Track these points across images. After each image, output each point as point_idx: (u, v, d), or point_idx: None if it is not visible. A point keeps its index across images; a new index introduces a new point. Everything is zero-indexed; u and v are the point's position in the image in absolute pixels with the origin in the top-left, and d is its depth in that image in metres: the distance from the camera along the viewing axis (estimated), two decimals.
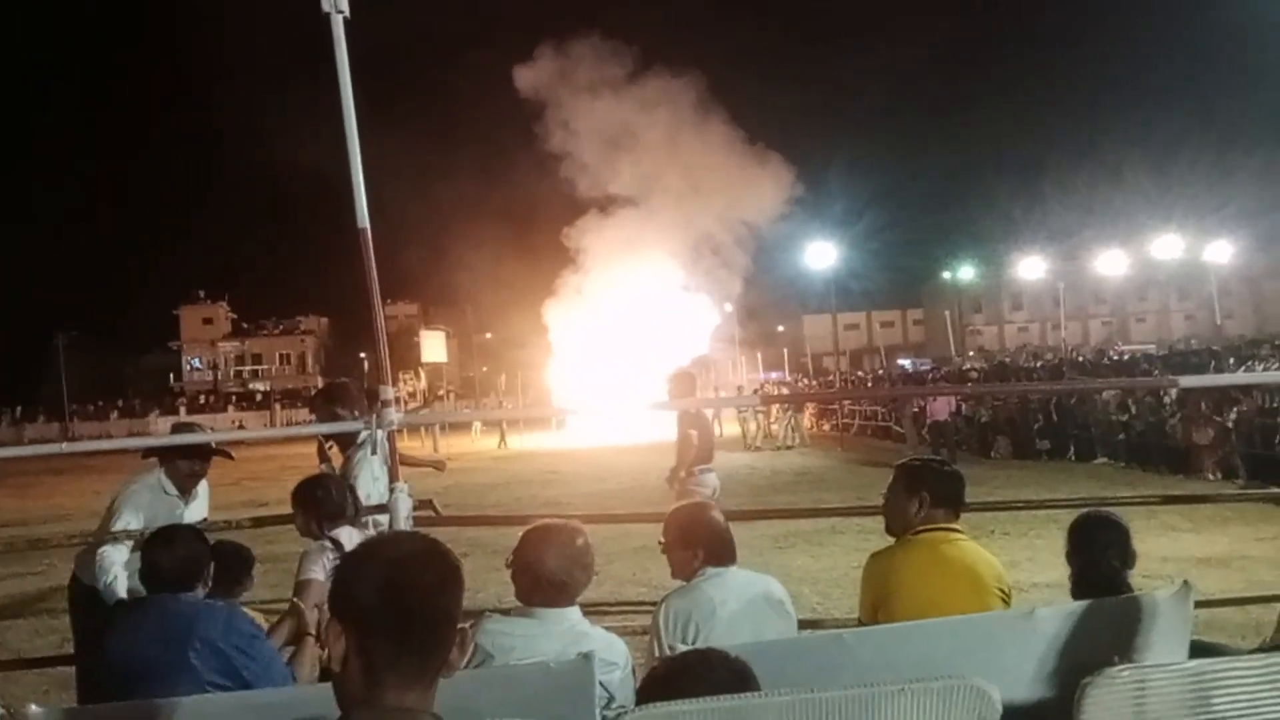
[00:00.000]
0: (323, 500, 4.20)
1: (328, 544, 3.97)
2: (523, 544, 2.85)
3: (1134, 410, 17.69)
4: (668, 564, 3.30)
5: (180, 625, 3.07)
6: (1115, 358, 31.57)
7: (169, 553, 3.24)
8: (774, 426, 26.59)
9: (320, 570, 3.81)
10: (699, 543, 3.19)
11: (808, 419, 29.88)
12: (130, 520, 4.62)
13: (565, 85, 41.46)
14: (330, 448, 6.33)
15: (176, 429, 5.36)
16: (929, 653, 2.51)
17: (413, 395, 46.28)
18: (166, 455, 4.87)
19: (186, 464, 4.83)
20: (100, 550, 4.58)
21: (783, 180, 42.14)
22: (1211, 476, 14.79)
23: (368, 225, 4.35)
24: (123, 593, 4.40)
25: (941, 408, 20.60)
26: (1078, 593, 3.16)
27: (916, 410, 22.96)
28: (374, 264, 4.36)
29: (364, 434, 5.49)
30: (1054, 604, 2.87)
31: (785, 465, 20.99)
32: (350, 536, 4.01)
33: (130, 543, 4.52)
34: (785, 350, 44.19)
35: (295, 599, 3.75)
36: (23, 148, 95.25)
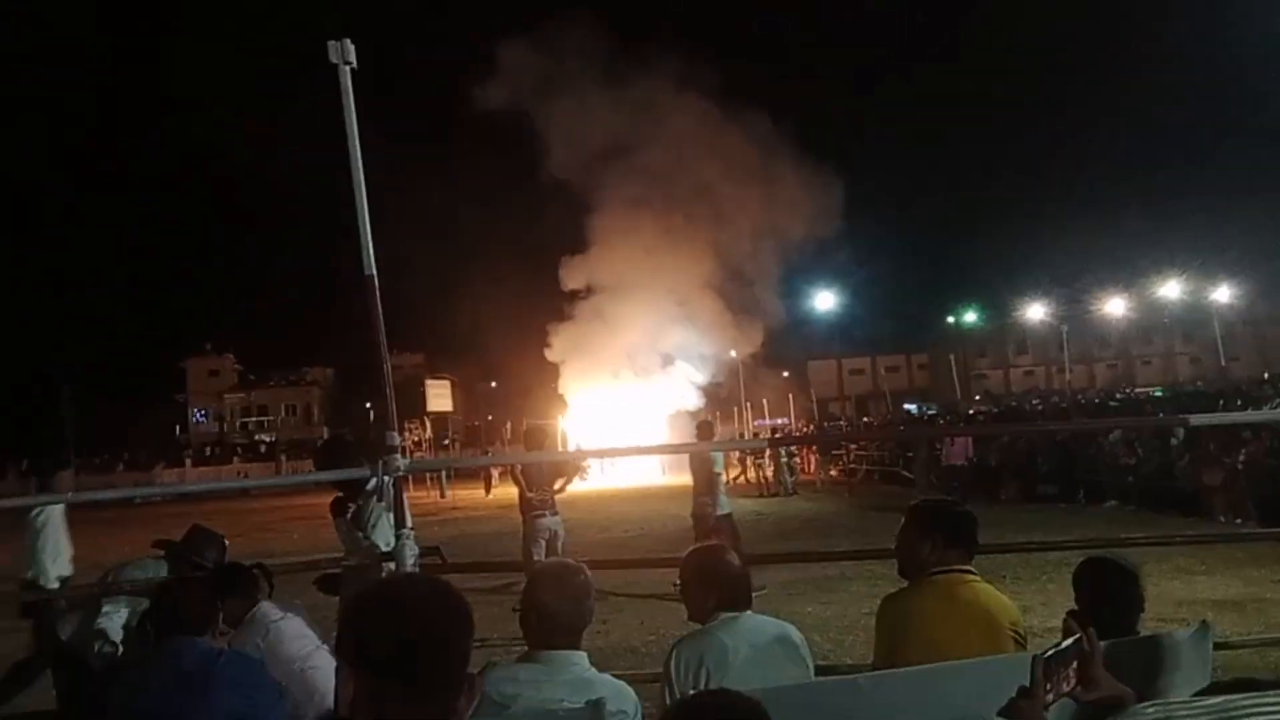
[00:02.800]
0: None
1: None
2: (529, 586, 2.89)
3: (1141, 453, 17.58)
4: (684, 607, 3.28)
5: (199, 669, 3.09)
6: (1122, 397, 31.51)
7: (188, 597, 3.30)
8: (767, 472, 26.46)
9: None
10: (713, 585, 3.18)
11: (804, 464, 29.77)
12: (125, 610, 4.65)
13: (577, 143, 41.73)
14: (349, 505, 6.38)
15: (196, 535, 5.05)
16: (945, 696, 2.47)
17: (418, 445, 46.22)
18: (181, 553, 4.89)
19: (195, 573, 4.73)
20: (96, 623, 4.62)
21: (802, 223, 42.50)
22: (1223, 519, 14.66)
23: (374, 273, 4.38)
24: (110, 661, 4.41)
25: (958, 452, 20.50)
26: None
27: (933, 453, 22.80)
28: (380, 311, 4.38)
29: (372, 482, 5.50)
30: None
31: (793, 511, 20.84)
32: None
33: (123, 616, 4.58)
34: (791, 396, 44.00)
35: None
36: (31, 199, 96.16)
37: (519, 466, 10.38)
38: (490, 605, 8.69)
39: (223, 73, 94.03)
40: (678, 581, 3.30)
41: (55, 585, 7.29)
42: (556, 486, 10.20)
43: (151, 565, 4.93)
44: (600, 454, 36.07)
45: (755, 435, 36.65)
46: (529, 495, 9.84)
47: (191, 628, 3.22)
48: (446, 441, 52.01)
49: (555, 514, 9.96)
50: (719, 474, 10.94)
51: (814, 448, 30.64)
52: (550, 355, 44.22)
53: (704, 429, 12.64)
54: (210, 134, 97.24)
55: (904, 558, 3.34)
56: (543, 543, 9.81)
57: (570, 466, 11.05)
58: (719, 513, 10.77)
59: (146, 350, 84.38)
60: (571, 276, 42.91)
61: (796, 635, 3.22)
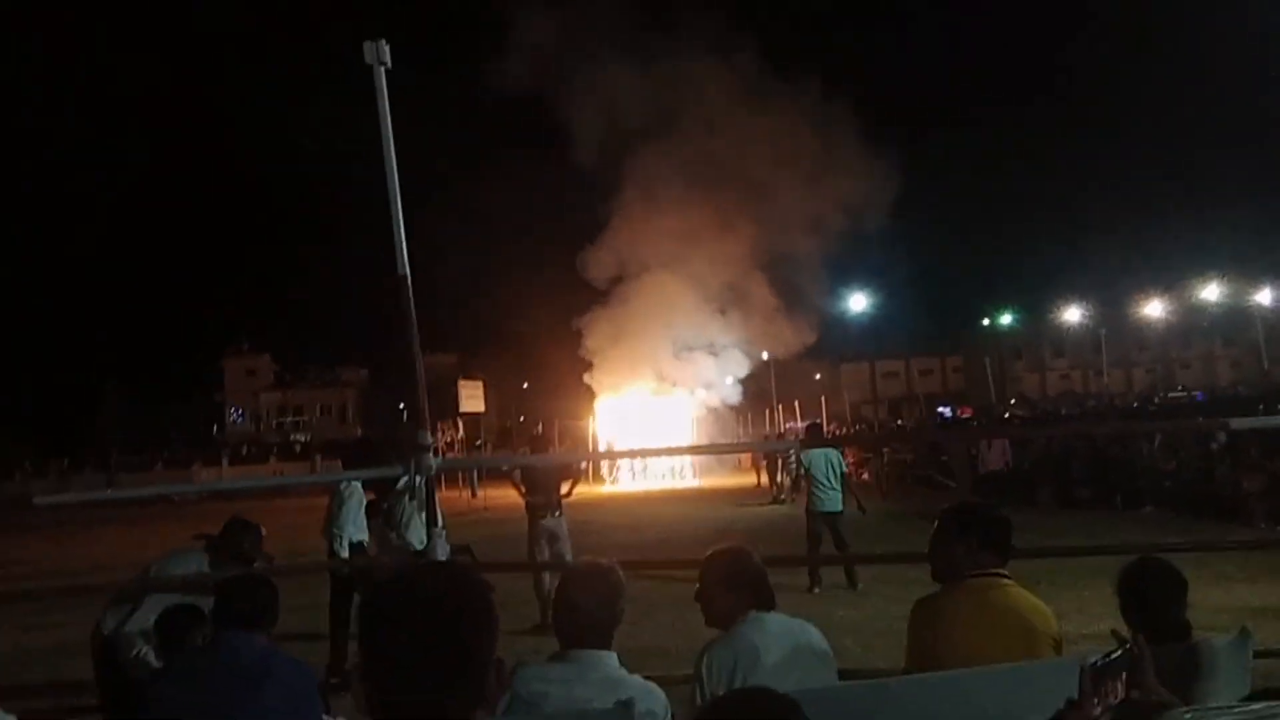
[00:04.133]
0: None
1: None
2: (561, 585, 2.92)
3: (1181, 457, 17.33)
4: (702, 612, 3.27)
5: (257, 664, 3.13)
6: (1162, 398, 31.11)
7: (251, 594, 3.37)
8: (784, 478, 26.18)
9: None
10: (743, 585, 3.18)
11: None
12: (159, 604, 4.66)
13: (608, 124, 41.23)
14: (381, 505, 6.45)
15: (234, 526, 5.17)
16: (979, 701, 2.44)
17: (450, 445, 46.38)
18: (220, 545, 5.03)
19: (235, 563, 4.87)
20: (126, 630, 4.70)
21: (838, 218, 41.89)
22: (1263, 525, 14.42)
23: (408, 272, 4.41)
24: (153, 663, 4.45)
25: (996, 457, 20.26)
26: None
27: (970, 458, 22.57)
28: (413, 311, 4.38)
29: (403, 480, 5.55)
30: None
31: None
32: None
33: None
34: (823, 398, 43.72)
35: None
36: (73, 198, 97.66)
37: (518, 471, 10.77)
38: (519, 605, 8.74)
39: (261, 70, 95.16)
40: (699, 585, 3.28)
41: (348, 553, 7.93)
42: (564, 490, 10.45)
43: (194, 557, 5.00)
44: (629, 454, 36.12)
45: (785, 437, 36.55)
46: (529, 498, 10.15)
47: (250, 623, 3.27)
48: (479, 443, 52.20)
49: (558, 515, 10.19)
50: (809, 471, 11.57)
51: (847, 451, 30.41)
52: (583, 353, 44.15)
53: (814, 432, 14.68)
54: (249, 133, 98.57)
55: (938, 561, 3.31)
56: (544, 543, 10.06)
57: (573, 469, 11.30)
58: (817, 509, 11.37)
59: (185, 349, 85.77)
60: (601, 267, 42.36)
61: (820, 639, 3.20)
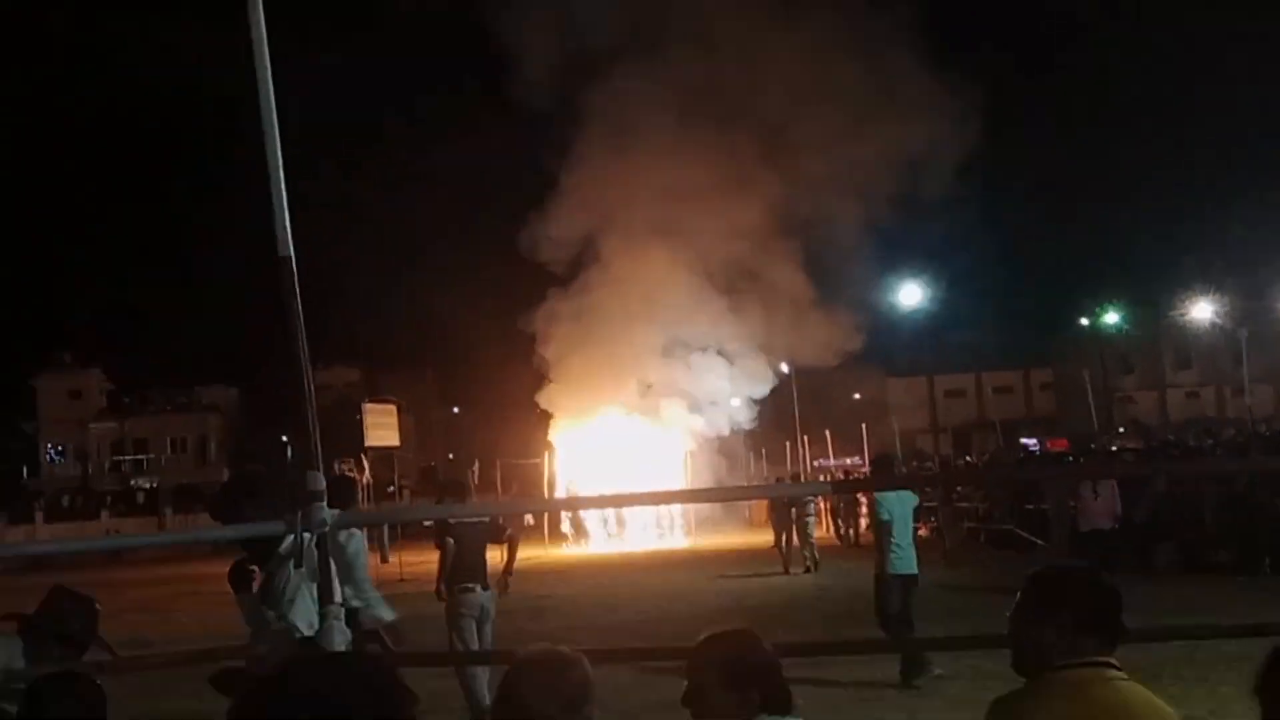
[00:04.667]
0: None
1: None
2: (506, 683, 2.94)
3: None
4: (692, 717, 3.28)
5: None
6: None
7: (77, 697, 3.49)
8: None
9: None
10: (752, 683, 3.19)
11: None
12: None
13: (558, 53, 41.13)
14: (252, 571, 6.44)
15: (57, 600, 5.20)
16: None
17: None
18: (38, 627, 5.02)
19: (60, 650, 4.89)
20: None
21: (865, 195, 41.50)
22: None
23: (292, 253, 4.31)
24: None
25: (1102, 509, 20.20)
26: None
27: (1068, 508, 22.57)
28: (300, 308, 4.30)
29: (288, 541, 5.51)
30: None
31: (862, 585, 20.82)
32: None
33: None
34: (864, 426, 43.73)
35: None
36: None
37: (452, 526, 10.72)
38: (446, 715, 8.71)
39: (91, 21, 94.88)
40: (690, 680, 3.29)
41: None
42: (506, 560, 10.89)
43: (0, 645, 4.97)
44: (597, 503, 36.07)
45: (815, 478, 36.64)
46: (450, 564, 10.42)
47: None
48: (391, 488, 51.95)
49: (488, 588, 10.45)
50: (887, 521, 11.98)
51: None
52: (535, 364, 43.96)
53: (883, 464, 16.25)
54: (77, 70, 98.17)
55: (1021, 646, 3.31)
56: (472, 623, 10.30)
57: (504, 530, 11.35)
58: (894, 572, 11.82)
59: None
60: (555, 243, 42.39)
61: None
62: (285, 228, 4.31)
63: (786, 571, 23.99)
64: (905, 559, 11.89)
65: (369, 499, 42.87)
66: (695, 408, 43.29)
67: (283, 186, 4.31)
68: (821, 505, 33.79)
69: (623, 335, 41.91)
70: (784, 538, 25.23)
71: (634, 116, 41.37)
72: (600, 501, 33.41)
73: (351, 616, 8.71)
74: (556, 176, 42.41)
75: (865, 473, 40.05)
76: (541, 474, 40.71)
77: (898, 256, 49.65)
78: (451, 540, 10.42)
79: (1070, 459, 35.90)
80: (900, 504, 12.02)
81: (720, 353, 43.37)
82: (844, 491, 24.32)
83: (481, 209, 51.31)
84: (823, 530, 35.19)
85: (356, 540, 9.01)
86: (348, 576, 8.68)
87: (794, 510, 24.83)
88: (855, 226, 42.16)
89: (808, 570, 24.01)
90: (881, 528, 12.14)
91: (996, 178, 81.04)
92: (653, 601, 20.06)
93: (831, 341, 43.34)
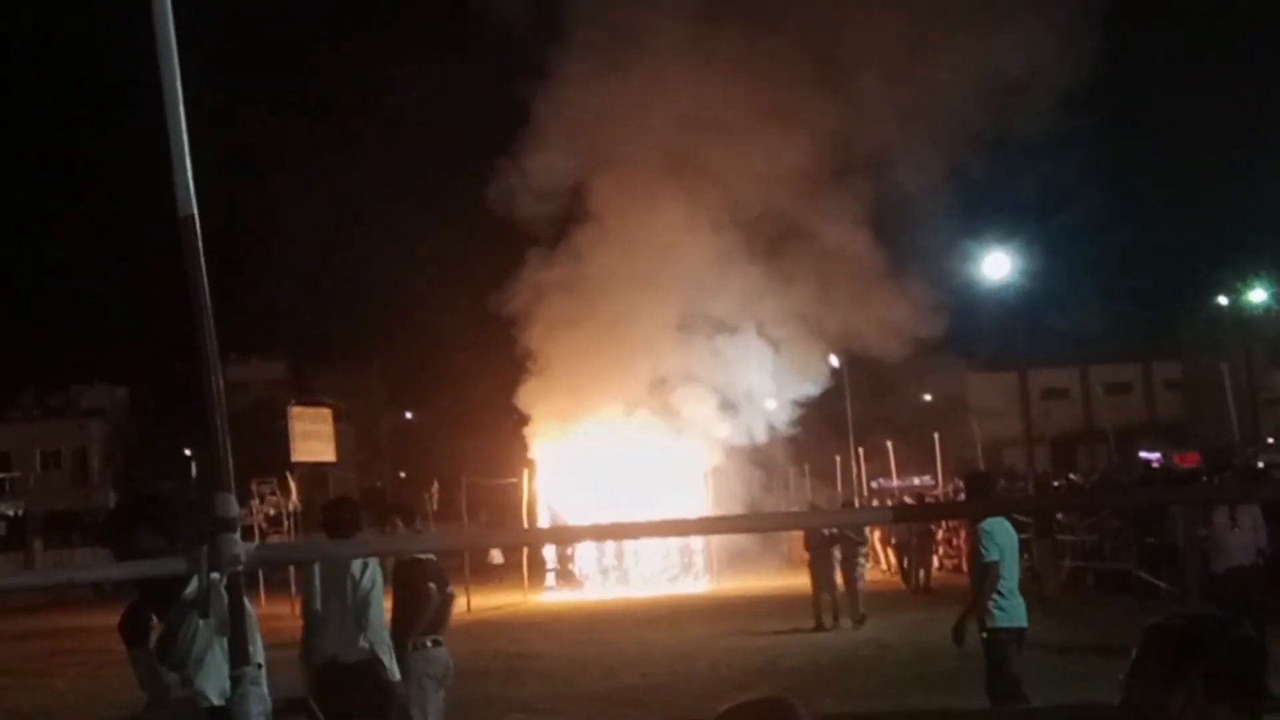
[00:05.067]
0: None
1: None
2: None
3: None
4: None
5: None
6: None
7: None
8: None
9: None
10: None
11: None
12: None
13: None
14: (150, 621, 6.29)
15: None
16: None
17: (274, 520, 45.61)
18: None
19: None
20: None
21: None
22: None
23: (195, 212, 4.13)
24: None
25: (1241, 543, 19.97)
26: None
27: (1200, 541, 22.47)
28: (206, 283, 4.11)
29: (192, 584, 5.50)
30: None
31: (934, 642, 20.80)
32: None
33: None
34: (936, 436, 43.52)
35: None
36: None
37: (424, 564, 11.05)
38: None
39: None
40: None
41: None
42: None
43: None
44: (592, 534, 36.06)
45: (871, 502, 36.72)
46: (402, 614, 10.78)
47: None
48: None
49: (431, 645, 10.96)
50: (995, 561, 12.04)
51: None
52: (516, 354, 43.56)
53: (981, 484, 16.12)
54: None
55: (1141, 715, 3.36)
56: (438, 688, 10.91)
57: (426, 591, 11.23)
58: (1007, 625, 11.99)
59: None
60: (533, 194, 41.66)
61: None
62: (187, 180, 4.10)
63: (821, 627, 23.82)
64: (1017, 608, 12.09)
65: (296, 529, 42.75)
66: (723, 406, 42.75)
67: (183, 123, 4.11)
68: (876, 538, 33.74)
69: (626, 312, 41.38)
70: (823, 582, 24.98)
71: (634, 20, 41.14)
72: (593, 532, 33.24)
73: (365, 669, 9.03)
74: (531, 106, 41.99)
75: (939, 496, 39.90)
76: (519, 497, 40.51)
77: (983, 215, 49.16)
78: (434, 586, 10.76)
79: (1204, 478, 35.64)
80: (1010, 539, 12.20)
81: (759, 334, 42.82)
82: (909, 520, 24.21)
83: (438, 155, 51.16)
84: (881, 568, 35.21)
85: (373, 570, 9.54)
86: (362, 620, 9.48)
87: (838, 547, 24.73)
88: (929, 174, 41.73)
89: (858, 624, 24.01)
90: (987, 569, 12.12)
91: (1113, 114, 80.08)
92: (663, 662, 20.22)
93: (902, 325, 42.47)
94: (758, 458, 43.47)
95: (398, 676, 9.06)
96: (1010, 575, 12.09)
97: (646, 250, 41.13)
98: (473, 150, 44.74)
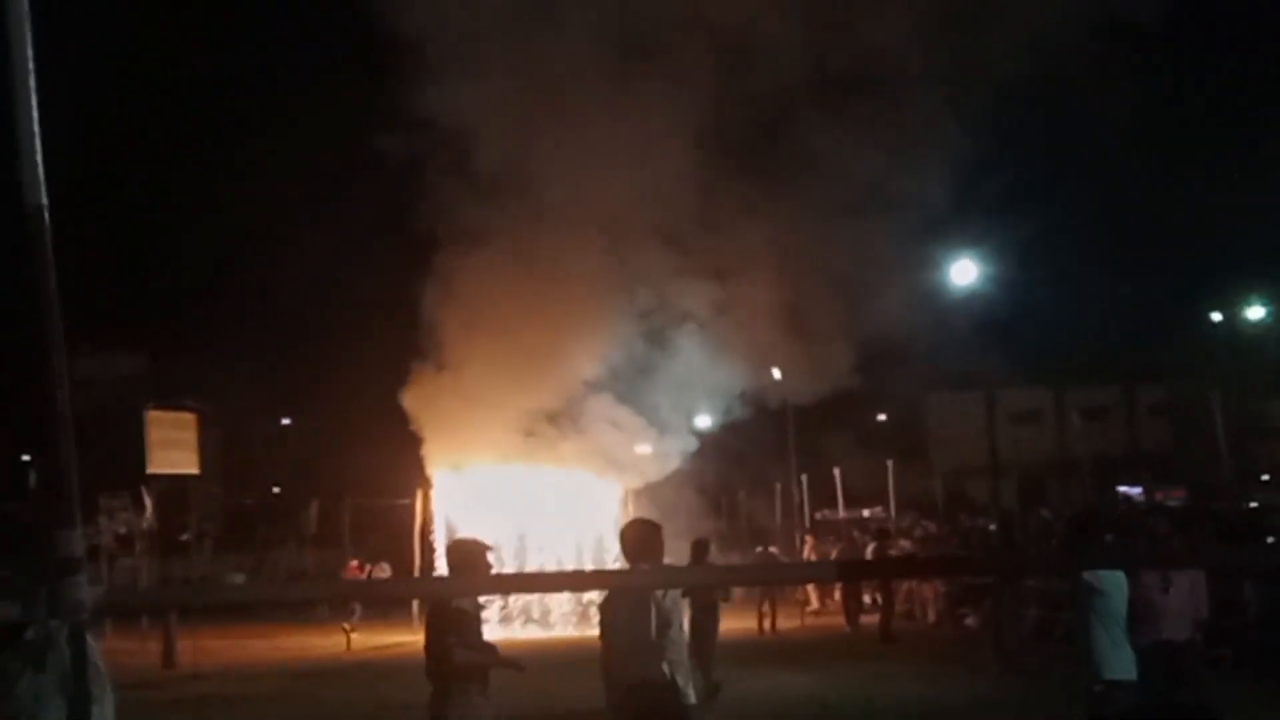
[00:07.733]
0: None
1: None
2: None
3: None
4: None
5: None
6: None
7: None
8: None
9: None
10: None
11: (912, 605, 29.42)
12: None
13: None
14: None
15: None
16: None
17: (126, 541, 44.53)
18: None
19: None
20: None
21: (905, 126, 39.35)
22: None
23: (44, 202, 4.26)
24: None
25: (1178, 611, 18.91)
26: None
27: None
28: (52, 268, 4.23)
29: (30, 633, 5.30)
30: None
31: (891, 694, 20.40)
32: None
33: None
34: (890, 464, 43.25)
35: None
36: None
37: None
38: None
39: None
40: None
41: None
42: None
43: None
44: (493, 587, 35.23)
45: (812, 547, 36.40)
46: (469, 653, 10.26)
47: None
48: (185, 535, 50.65)
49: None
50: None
51: (931, 581, 30.09)
52: (421, 348, 42.17)
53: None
54: None
55: None
56: None
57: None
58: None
59: None
60: (439, 194, 39.61)
61: None
62: (36, 162, 4.26)
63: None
64: (1122, 659, 11.69)
65: (151, 551, 41.78)
66: (650, 422, 41.68)
67: (33, 100, 4.27)
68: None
69: (542, 314, 39.75)
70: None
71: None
72: (473, 585, 32.45)
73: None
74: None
75: (898, 527, 39.21)
76: (412, 520, 39.96)
77: (946, 217, 48.18)
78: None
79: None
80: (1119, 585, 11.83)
81: (669, 346, 41.70)
82: (855, 580, 23.52)
83: (318, 104, 50.00)
84: (814, 605, 35.04)
85: (673, 594, 10.05)
86: (659, 642, 9.91)
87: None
88: (876, 156, 39.52)
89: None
90: (1095, 613, 11.82)
91: (1095, 103, 78.70)
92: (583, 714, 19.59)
93: (827, 366, 41.70)
94: (690, 480, 42.96)
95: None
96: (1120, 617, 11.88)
97: (570, 245, 39.96)
98: (355, 92, 43.30)
